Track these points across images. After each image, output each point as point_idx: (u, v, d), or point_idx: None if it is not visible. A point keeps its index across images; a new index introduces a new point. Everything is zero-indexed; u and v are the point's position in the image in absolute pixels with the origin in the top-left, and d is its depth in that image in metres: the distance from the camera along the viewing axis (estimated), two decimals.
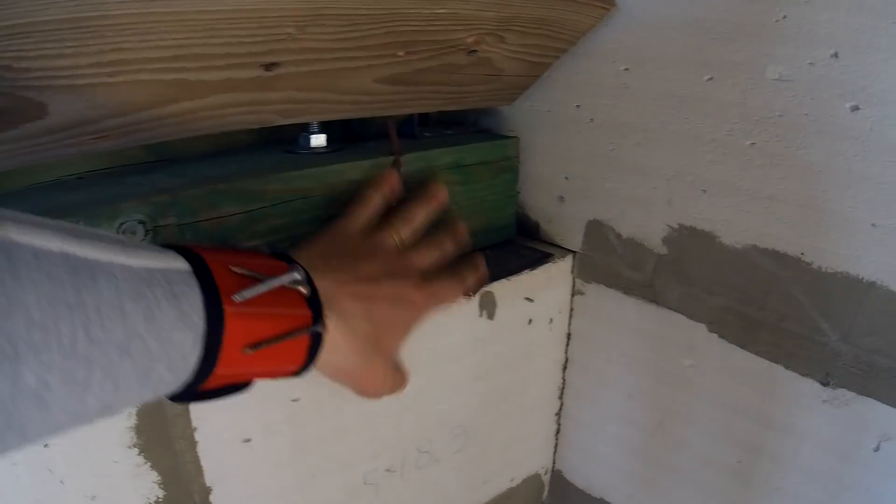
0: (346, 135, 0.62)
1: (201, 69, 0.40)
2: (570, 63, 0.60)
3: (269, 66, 0.42)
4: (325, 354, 0.40)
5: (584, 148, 0.62)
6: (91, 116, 0.39)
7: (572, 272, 0.67)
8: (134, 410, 0.42)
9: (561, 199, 0.66)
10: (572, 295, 0.68)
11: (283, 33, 0.40)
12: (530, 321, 0.64)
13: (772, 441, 0.56)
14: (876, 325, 0.47)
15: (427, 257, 0.50)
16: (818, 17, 0.43)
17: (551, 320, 0.67)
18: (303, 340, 0.38)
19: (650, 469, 0.67)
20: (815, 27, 0.44)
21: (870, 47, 0.42)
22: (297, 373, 0.40)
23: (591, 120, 0.61)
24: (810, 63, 0.45)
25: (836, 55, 0.44)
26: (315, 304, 0.39)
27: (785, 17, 0.45)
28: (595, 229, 0.64)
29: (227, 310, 0.34)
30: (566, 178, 0.65)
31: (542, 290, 0.64)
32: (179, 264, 0.33)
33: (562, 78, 0.62)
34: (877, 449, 0.49)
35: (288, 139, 0.60)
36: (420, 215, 0.52)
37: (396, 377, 0.48)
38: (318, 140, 0.57)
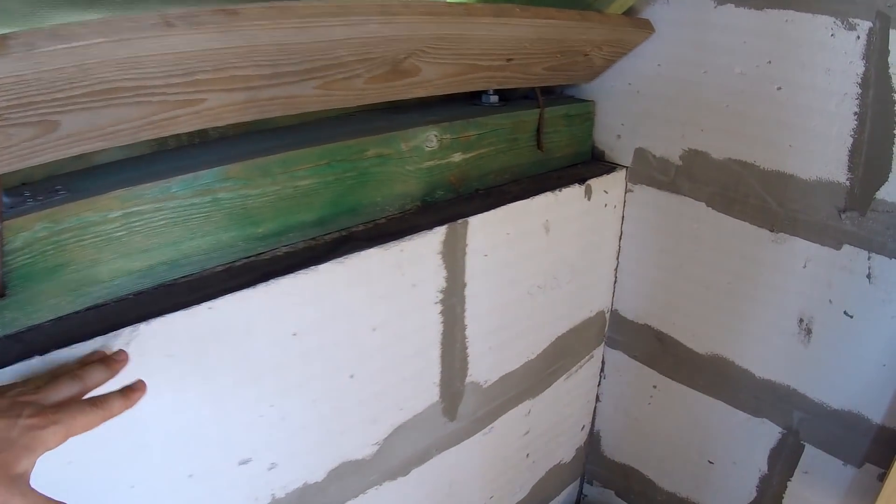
0: (503, 95, 1.11)
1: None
2: (627, 60, 1.09)
3: (508, 59, 0.92)
4: None
5: (633, 108, 1.12)
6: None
7: (626, 178, 1.17)
8: (444, 229, 0.89)
9: (619, 136, 1.16)
10: (626, 192, 1.18)
11: (504, 58, 0.90)
12: (605, 205, 1.15)
13: (747, 267, 1.07)
14: (797, 197, 0.98)
15: (58, 393, 0.53)
16: (760, 42, 0.95)
17: (615, 206, 1.17)
18: None
19: (674, 297, 1.18)
20: (759, 48, 0.95)
21: (789, 59, 0.93)
22: None
23: (638, 92, 1.11)
24: (756, 65, 0.96)
25: (769, 62, 0.95)
26: None
27: (744, 41, 0.97)
28: (639, 153, 1.14)
29: None
30: (622, 124, 1.15)
31: (614, 186, 1.14)
32: None
33: (621, 68, 1.11)
34: (804, 266, 1.00)
35: (464, 98, 1.08)
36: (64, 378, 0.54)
37: None
38: (495, 98, 1.06)
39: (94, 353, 0.58)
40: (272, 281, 0.68)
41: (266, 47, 0.57)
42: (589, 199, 1.08)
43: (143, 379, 0.60)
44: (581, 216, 1.07)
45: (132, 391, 0.58)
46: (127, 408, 0.57)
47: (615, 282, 1.24)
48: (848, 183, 0.93)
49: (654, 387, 1.24)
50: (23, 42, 0.45)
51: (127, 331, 0.58)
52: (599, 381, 1.32)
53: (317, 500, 0.82)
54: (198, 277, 0.67)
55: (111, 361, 0.58)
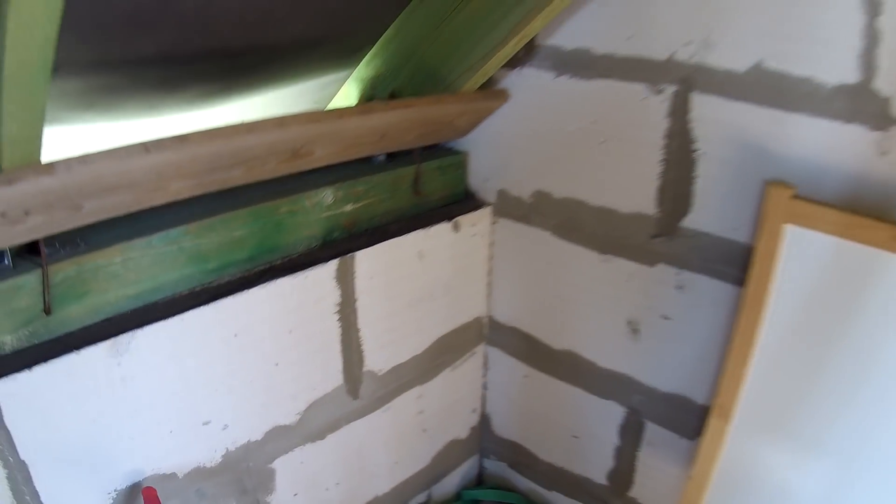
0: (390, 155, 1.50)
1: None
2: (491, 119, 1.49)
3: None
4: None
5: (496, 157, 1.52)
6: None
7: (491, 214, 1.57)
8: (337, 261, 1.29)
9: (486, 180, 1.56)
10: (492, 224, 1.59)
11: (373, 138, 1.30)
12: (473, 235, 1.55)
13: (584, 281, 1.48)
14: (620, 226, 1.40)
15: None
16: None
17: (483, 236, 1.57)
18: None
19: (534, 305, 1.58)
20: (588, 109, 1.37)
21: (611, 118, 1.35)
22: None
23: (499, 145, 1.51)
24: (586, 123, 1.38)
25: (596, 121, 1.37)
26: None
27: (577, 104, 1.39)
28: (501, 193, 1.55)
29: None
30: (488, 170, 1.56)
31: (480, 221, 1.55)
32: None
33: (487, 126, 1.50)
34: (627, 280, 1.42)
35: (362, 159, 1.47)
36: None
37: None
38: (382, 157, 1.45)
39: None
40: (219, 300, 1.06)
41: (206, 155, 0.96)
42: (457, 231, 1.48)
43: (139, 366, 0.98)
44: (451, 245, 1.48)
45: None
46: None
47: (490, 294, 1.65)
48: (658, 214, 1.27)
49: (526, 377, 1.64)
50: (63, 165, 0.83)
51: (129, 334, 0.97)
52: (485, 373, 1.72)
53: (257, 454, 1.21)
54: (170, 299, 1.06)
55: None
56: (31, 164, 0.82)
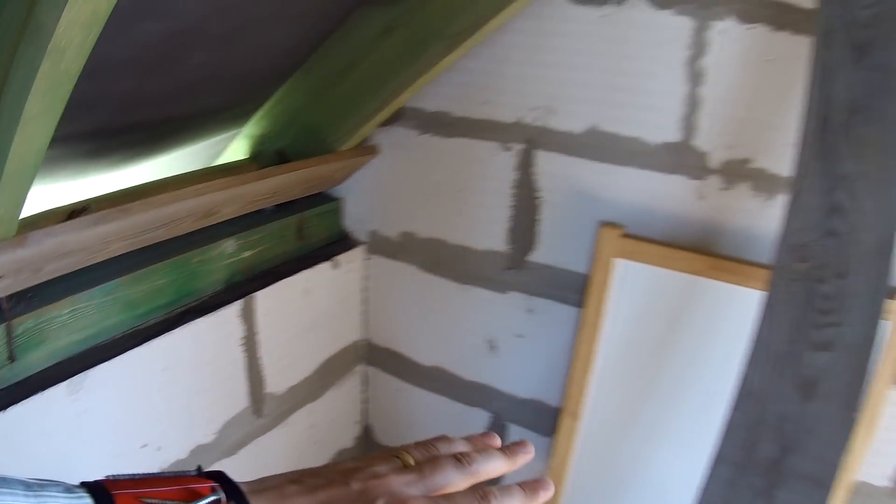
0: (278, 206, 1.74)
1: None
2: (364, 170, 1.74)
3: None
4: None
5: (368, 202, 1.77)
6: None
7: (365, 252, 1.83)
8: (241, 301, 1.52)
9: (360, 221, 1.81)
10: (366, 260, 1.85)
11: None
12: (349, 272, 1.81)
13: (448, 307, 1.77)
14: (475, 261, 1.70)
15: (443, 477, 0.51)
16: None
17: (358, 271, 1.83)
18: None
19: (404, 329, 1.85)
20: (448, 163, 1.66)
21: (468, 171, 1.64)
22: None
23: (370, 191, 1.77)
24: (447, 175, 1.67)
25: (457, 173, 1.67)
26: None
27: (438, 158, 1.68)
28: (373, 233, 1.80)
29: None
30: (362, 213, 1.81)
31: (355, 258, 1.81)
32: (85, 500, 0.38)
33: (361, 176, 1.75)
34: (482, 306, 1.72)
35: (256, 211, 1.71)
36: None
37: None
38: (272, 208, 1.70)
39: (487, 434, 0.58)
40: (150, 341, 1.27)
41: (142, 221, 1.18)
42: (336, 268, 1.73)
43: (92, 400, 1.18)
44: (332, 281, 1.73)
45: (537, 490, 0.54)
46: None
47: (366, 320, 1.90)
48: (509, 251, 1.52)
49: (399, 390, 1.89)
50: (34, 237, 1.04)
51: (82, 374, 1.16)
52: (366, 389, 1.97)
53: (184, 469, 1.41)
54: (111, 341, 1.25)
55: (514, 453, 0.57)
56: (9, 238, 1.02)
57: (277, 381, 1.63)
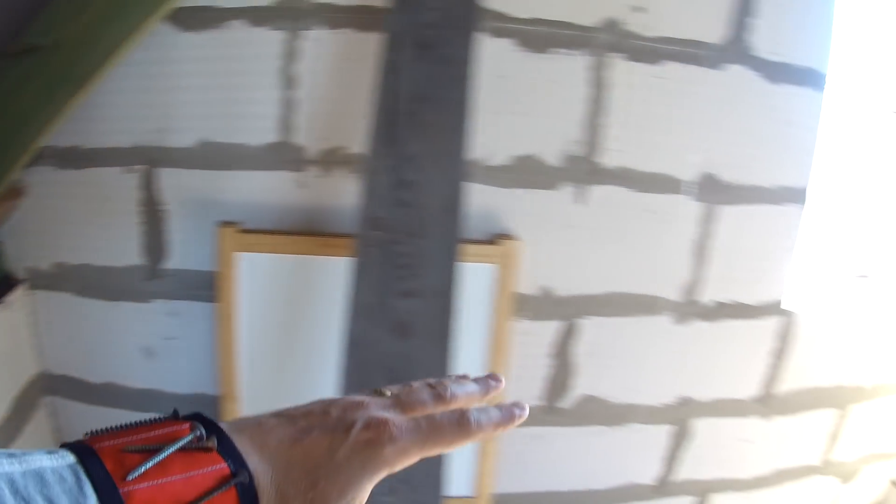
0: None
1: None
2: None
3: None
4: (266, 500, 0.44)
5: (20, 243, 1.83)
6: None
7: (27, 286, 1.88)
8: None
9: (19, 259, 1.87)
10: (29, 295, 1.90)
11: None
12: (16, 308, 1.86)
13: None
14: (97, 274, 1.82)
15: (414, 398, 0.53)
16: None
17: (24, 306, 1.88)
18: (230, 494, 0.42)
19: (79, 350, 1.94)
20: (85, 193, 1.77)
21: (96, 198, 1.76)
22: None
23: (21, 232, 1.84)
24: (119, 194, 1.78)
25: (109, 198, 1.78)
26: (232, 455, 0.43)
27: (74, 193, 1.78)
28: (31, 270, 1.76)
29: (124, 490, 0.38)
30: (18, 253, 1.87)
31: (20, 296, 1.86)
32: (69, 459, 0.39)
33: (13, 217, 1.82)
34: (132, 318, 1.85)
35: None
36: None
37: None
38: None
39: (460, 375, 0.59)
40: None
41: None
42: (6, 310, 1.79)
43: None
44: (5, 321, 1.79)
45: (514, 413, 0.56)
46: (504, 429, 0.55)
47: (42, 352, 1.91)
48: (145, 263, 1.67)
49: (82, 413, 1.89)
50: None
51: None
52: (56, 419, 2.03)
53: None
54: None
55: (486, 382, 0.59)
56: None
57: None
